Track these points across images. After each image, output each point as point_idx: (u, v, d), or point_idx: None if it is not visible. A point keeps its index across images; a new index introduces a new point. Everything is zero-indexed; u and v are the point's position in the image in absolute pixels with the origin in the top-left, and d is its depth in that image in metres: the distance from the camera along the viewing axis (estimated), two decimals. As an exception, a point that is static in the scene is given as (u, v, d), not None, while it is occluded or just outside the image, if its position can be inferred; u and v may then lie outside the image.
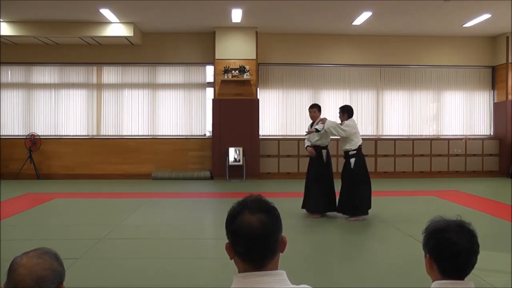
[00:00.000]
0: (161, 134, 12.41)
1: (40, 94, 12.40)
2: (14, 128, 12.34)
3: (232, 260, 1.52)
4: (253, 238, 1.45)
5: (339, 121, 7.26)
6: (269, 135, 12.42)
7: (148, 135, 12.39)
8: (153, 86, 12.45)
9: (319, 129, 7.03)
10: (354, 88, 12.67)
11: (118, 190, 10.16)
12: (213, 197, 9.57)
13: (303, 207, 7.20)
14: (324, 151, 7.15)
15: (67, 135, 12.33)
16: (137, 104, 12.40)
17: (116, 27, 11.17)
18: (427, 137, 12.83)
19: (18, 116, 12.37)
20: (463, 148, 12.64)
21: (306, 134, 7.45)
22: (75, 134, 12.35)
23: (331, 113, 12.58)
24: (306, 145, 7.38)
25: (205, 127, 12.44)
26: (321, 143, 7.15)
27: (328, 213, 7.09)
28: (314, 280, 3.81)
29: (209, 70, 12.37)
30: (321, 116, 7.33)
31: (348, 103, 12.39)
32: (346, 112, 7.11)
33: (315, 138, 7.14)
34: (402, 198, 8.92)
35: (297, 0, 9.43)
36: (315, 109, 7.39)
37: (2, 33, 11.08)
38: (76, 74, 12.39)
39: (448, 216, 1.75)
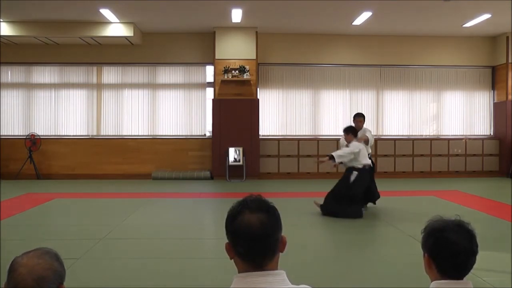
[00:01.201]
0: (161, 134, 12.41)
1: (40, 94, 12.40)
2: (14, 128, 12.34)
3: (232, 260, 1.52)
4: (253, 238, 1.45)
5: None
6: (269, 135, 12.42)
7: (148, 135, 12.39)
8: (153, 86, 12.46)
9: (342, 155, 6.96)
10: (354, 88, 12.67)
11: (118, 190, 10.16)
12: (213, 197, 9.57)
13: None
14: (355, 173, 6.99)
15: (67, 135, 12.34)
16: (137, 104, 12.41)
17: (116, 27, 11.18)
18: (427, 137, 12.83)
19: (18, 116, 12.38)
20: (463, 148, 12.65)
21: (320, 162, 7.62)
22: (75, 134, 12.35)
23: (331, 113, 12.63)
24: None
25: (205, 127, 12.45)
26: (353, 164, 7.02)
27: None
28: (314, 280, 3.81)
29: (209, 70, 12.37)
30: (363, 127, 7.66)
31: (348, 103, 12.55)
32: (351, 132, 7.20)
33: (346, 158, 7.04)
34: (402, 198, 8.92)
35: (297, 0, 9.43)
36: (361, 118, 7.70)
37: (2, 33, 11.09)
38: (76, 74, 12.40)
39: (448, 216, 1.75)
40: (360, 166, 7.01)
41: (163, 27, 11.70)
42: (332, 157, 6.97)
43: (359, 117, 7.72)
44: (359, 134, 7.64)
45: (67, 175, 12.05)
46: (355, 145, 7.03)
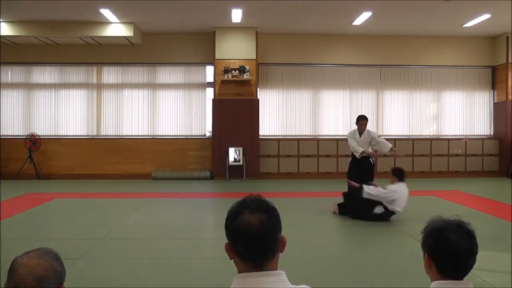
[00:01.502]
0: (161, 134, 12.41)
1: (40, 94, 12.41)
2: (14, 128, 12.35)
3: (232, 260, 1.52)
4: (253, 238, 1.45)
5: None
6: (269, 135, 12.42)
7: (148, 135, 12.39)
8: (153, 86, 12.46)
9: (371, 193, 6.57)
10: (354, 88, 12.67)
11: (118, 190, 10.16)
12: (213, 197, 9.57)
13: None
14: (381, 207, 6.61)
15: (67, 135, 12.34)
16: (137, 104, 12.41)
17: (116, 27, 11.18)
18: (427, 137, 12.83)
19: (18, 116, 12.38)
20: (463, 148, 12.64)
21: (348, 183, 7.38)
22: (75, 134, 12.35)
23: (331, 113, 12.62)
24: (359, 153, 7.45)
25: (205, 127, 12.45)
26: (386, 204, 6.61)
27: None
28: (313, 280, 3.81)
29: (209, 70, 12.37)
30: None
31: (348, 104, 12.55)
32: (397, 175, 6.67)
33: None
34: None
35: (297, 0, 9.43)
36: (365, 121, 7.64)
37: (2, 33, 11.09)
38: (76, 74, 12.40)
39: (448, 216, 1.75)
40: (389, 209, 6.58)
41: (163, 27, 11.70)
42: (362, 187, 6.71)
43: (363, 120, 7.70)
44: (363, 136, 7.61)
45: (67, 175, 12.05)
46: (393, 190, 6.55)
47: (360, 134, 7.71)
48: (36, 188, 10.23)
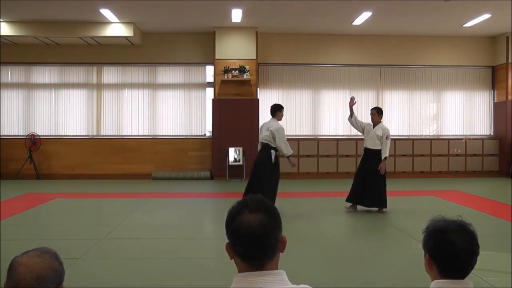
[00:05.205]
0: (161, 134, 12.41)
1: (40, 94, 12.40)
2: (14, 128, 12.34)
3: (232, 260, 1.52)
4: (253, 238, 1.44)
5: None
6: (269, 135, 12.39)
7: (148, 135, 12.39)
8: (153, 86, 12.45)
9: None
10: (354, 88, 12.66)
11: (118, 190, 10.16)
12: (213, 197, 9.57)
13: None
14: None
15: (67, 135, 12.33)
16: (137, 104, 12.40)
17: (116, 27, 11.18)
18: (427, 137, 12.83)
19: (18, 116, 12.37)
20: (463, 148, 12.64)
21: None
22: (75, 134, 12.35)
23: (331, 113, 12.62)
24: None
25: (205, 127, 12.44)
26: None
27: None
28: (313, 280, 3.81)
29: (209, 70, 12.37)
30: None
31: (348, 103, 12.51)
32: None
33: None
34: (402, 198, 8.91)
35: (297, 0, 9.43)
36: (373, 111, 7.75)
37: (2, 33, 11.08)
38: (76, 74, 12.39)
39: (449, 216, 1.75)
40: None
41: (163, 27, 11.70)
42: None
43: (371, 109, 7.79)
44: (376, 128, 7.51)
45: (67, 175, 12.05)
46: None
47: (374, 126, 7.60)
48: (36, 188, 10.23)
